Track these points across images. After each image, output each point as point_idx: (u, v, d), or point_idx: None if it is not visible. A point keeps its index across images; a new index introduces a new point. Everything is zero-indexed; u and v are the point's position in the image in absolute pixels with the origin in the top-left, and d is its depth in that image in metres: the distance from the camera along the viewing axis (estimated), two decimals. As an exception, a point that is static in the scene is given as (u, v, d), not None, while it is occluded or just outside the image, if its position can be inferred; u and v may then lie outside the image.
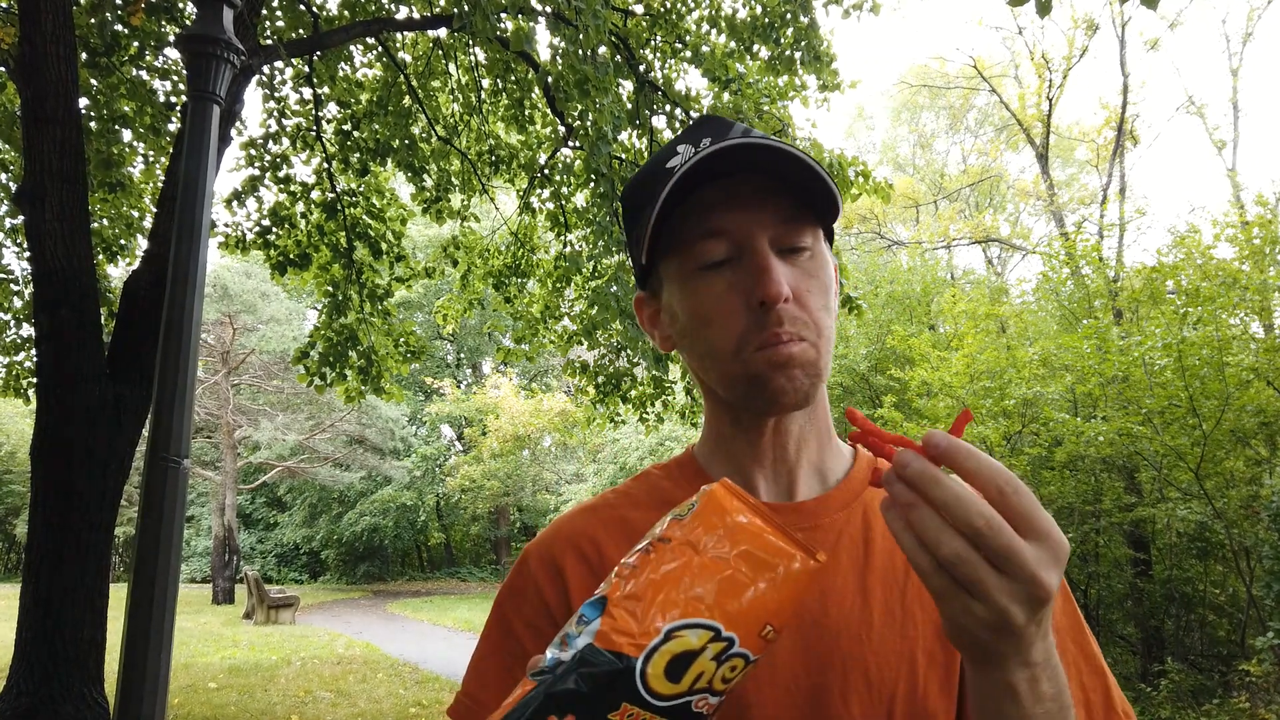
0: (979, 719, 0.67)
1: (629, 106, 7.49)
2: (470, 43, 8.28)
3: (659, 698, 0.61)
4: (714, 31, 7.67)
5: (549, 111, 8.33)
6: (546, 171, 8.77)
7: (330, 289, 8.44)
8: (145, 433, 4.44)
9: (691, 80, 42.43)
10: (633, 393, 9.01)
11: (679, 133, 0.92)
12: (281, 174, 8.35)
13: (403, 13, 8.07)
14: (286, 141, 8.41)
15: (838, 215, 0.86)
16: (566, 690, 0.59)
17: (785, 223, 0.85)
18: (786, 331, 0.82)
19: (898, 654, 0.82)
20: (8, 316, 8.44)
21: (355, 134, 8.43)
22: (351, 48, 8.43)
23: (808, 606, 0.83)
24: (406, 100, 8.43)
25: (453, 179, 9.23)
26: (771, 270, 0.82)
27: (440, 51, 8.79)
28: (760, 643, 0.64)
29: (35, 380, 6.40)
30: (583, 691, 0.59)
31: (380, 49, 8.48)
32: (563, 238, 8.95)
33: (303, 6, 7.57)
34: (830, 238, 0.92)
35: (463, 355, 34.03)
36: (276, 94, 8.30)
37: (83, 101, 6.93)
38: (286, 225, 8.38)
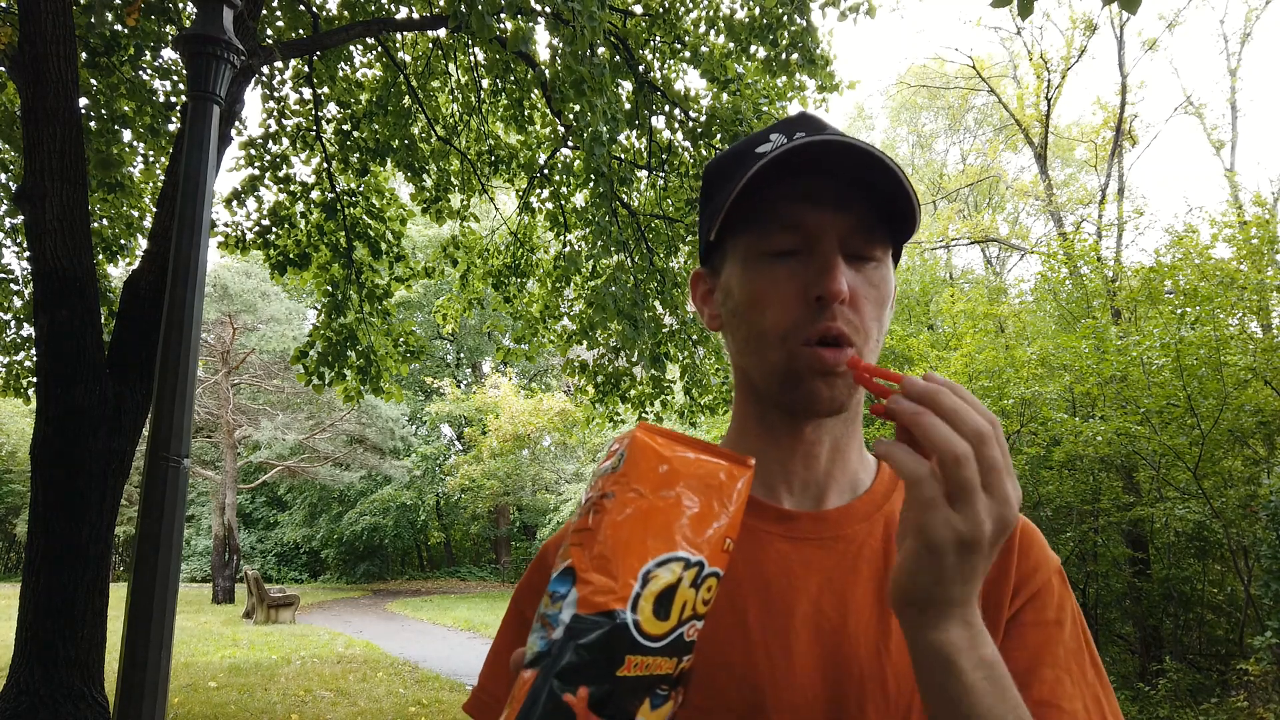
0: (925, 698, 0.67)
1: (628, 107, 7.50)
2: (470, 43, 8.29)
3: (655, 639, 0.62)
4: (712, 32, 7.68)
5: (548, 111, 8.35)
6: (546, 171, 8.79)
7: (330, 289, 8.44)
8: (145, 432, 4.45)
9: (691, 81, 42.49)
10: (631, 392, 9.03)
11: (773, 123, 0.92)
12: (281, 174, 8.36)
13: (402, 13, 8.08)
14: (286, 141, 8.42)
15: (912, 234, 0.86)
16: (570, 665, 0.60)
17: (859, 230, 0.85)
18: (837, 328, 0.82)
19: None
20: (8, 316, 8.44)
21: (355, 134, 8.44)
22: (351, 48, 8.44)
23: (827, 617, 0.83)
24: (406, 100, 8.44)
25: (452, 179, 9.23)
26: (835, 269, 0.82)
27: (440, 52, 8.81)
28: (724, 556, 0.67)
29: (35, 379, 6.41)
30: (585, 660, 0.60)
31: (380, 49, 8.49)
32: (562, 237, 8.96)
33: (302, 7, 7.58)
34: (897, 259, 0.93)
35: (462, 355, 34.04)
36: (276, 94, 8.31)
37: (82, 101, 6.94)
38: (286, 225, 8.39)
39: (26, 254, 7.12)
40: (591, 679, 0.60)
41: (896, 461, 0.65)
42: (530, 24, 5.63)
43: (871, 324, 0.85)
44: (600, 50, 6.52)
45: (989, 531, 0.62)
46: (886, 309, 0.88)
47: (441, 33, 8.23)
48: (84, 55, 6.80)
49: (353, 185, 8.70)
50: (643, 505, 0.65)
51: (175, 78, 7.78)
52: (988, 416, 0.64)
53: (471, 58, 8.76)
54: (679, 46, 7.76)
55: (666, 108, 7.82)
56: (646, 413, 9.11)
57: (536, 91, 8.49)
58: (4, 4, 6.68)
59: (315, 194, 8.55)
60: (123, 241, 8.26)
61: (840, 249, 0.84)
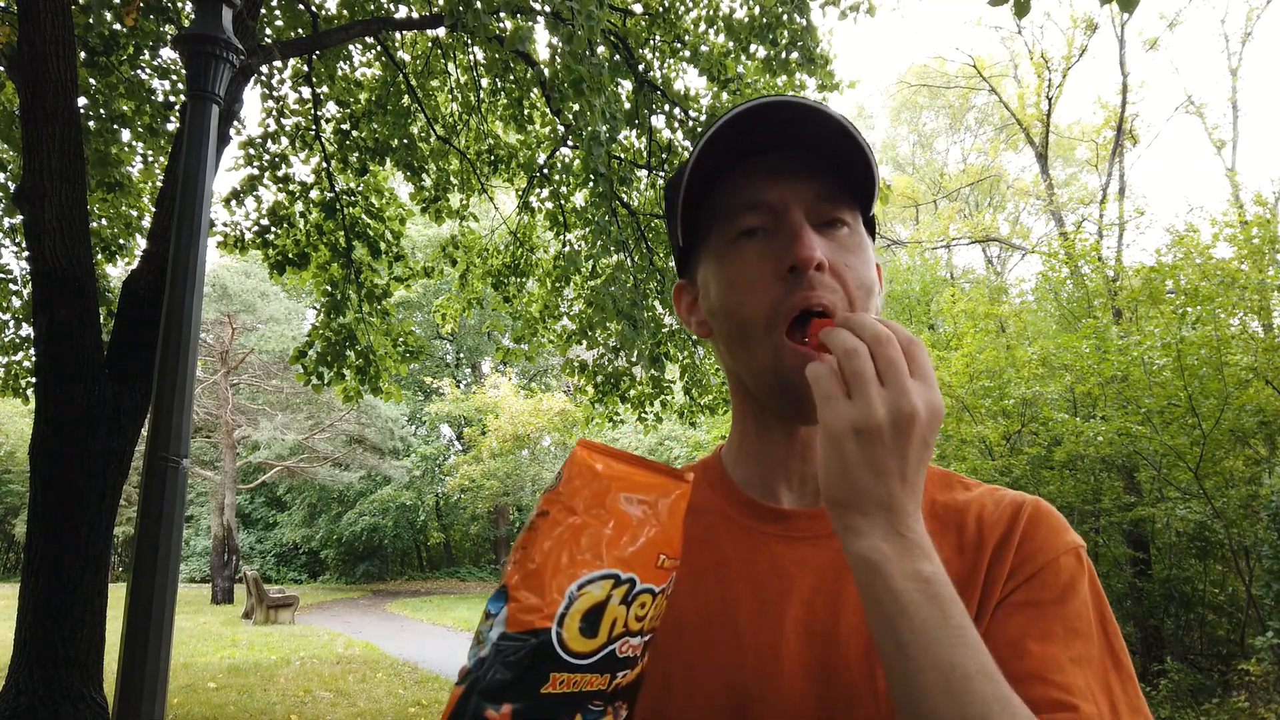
0: (867, 619, 0.66)
1: (628, 106, 7.49)
2: (469, 42, 8.27)
3: (582, 656, 0.63)
4: (712, 31, 7.66)
5: (548, 111, 8.33)
6: (545, 171, 8.77)
7: (329, 288, 8.43)
8: (144, 432, 4.44)
9: (690, 80, 42.49)
10: (631, 392, 9.01)
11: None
12: (280, 173, 8.34)
13: (401, 12, 8.06)
14: (285, 141, 8.40)
15: (874, 192, 0.84)
16: (494, 682, 0.61)
17: (823, 198, 0.83)
18: (818, 297, 0.79)
19: None
20: (7, 316, 8.42)
21: (354, 133, 8.42)
22: (350, 47, 8.42)
23: (818, 619, 0.82)
24: (405, 100, 8.42)
25: (451, 178, 9.22)
26: (804, 235, 0.80)
27: (439, 51, 8.79)
28: (660, 573, 0.68)
29: (34, 380, 6.40)
30: (509, 678, 0.61)
31: (379, 48, 8.47)
32: (561, 237, 8.94)
33: (301, 6, 7.56)
34: (872, 232, 0.91)
35: (462, 355, 34.02)
36: (275, 93, 8.29)
37: (81, 101, 6.92)
38: (285, 224, 8.37)
39: (25, 254, 7.10)
40: (515, 696, 0.61)
41: (808, 375, 0.68)
42: (529, 23, 5.62)
43: (857, 291, 0.82)
44: (600, 49, 6.50)
45: (883, 418, 0.63)
46: (870, 276, 0.85)
47: (441, 32, 8.21)
48: (83, 55, 6.78)
49: (352, 185, 8.69)
50: (575, 523, 0.65)
51: (174, 77, 7.76)
52: (901, 333, 0.67)
53: (471, 57, 8.74)
54: (679, 46, 7.75)
55: (666, 107, 7.80)
56: (646, 413, 9.11)
57: (536, 91, 8.48)
58: (3, 3, 6.67)
59: (314, 193, 8.53)
60: (121, 241, 8.25)
61: (808, 218, 0.82)
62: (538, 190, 9.01)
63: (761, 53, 7.57)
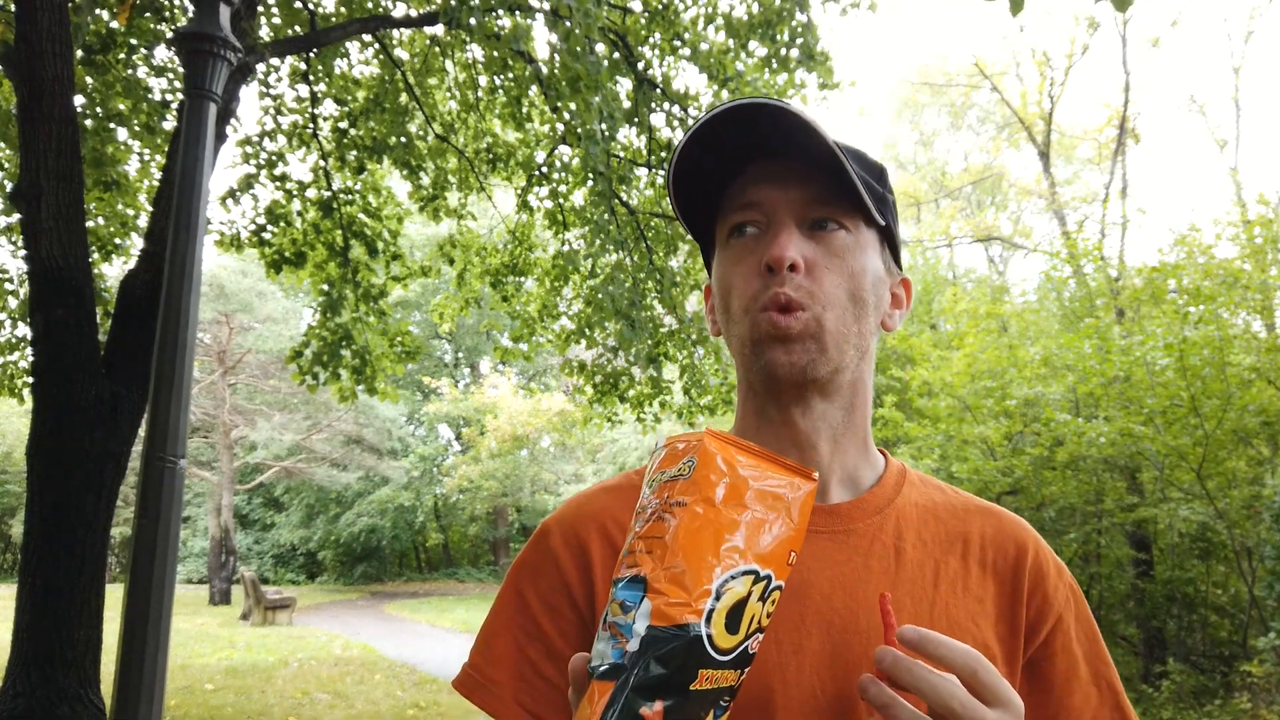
0: None
1: (627, 104, 7.46)
2: (467, 40, 8.24)
3: (725, 653, 0.63)
4: (711, 28, 7.63)
5: (547, 109, 8.30)
6: (544, 169, 8.73)
7: (325, 288, 8.38)
8: (141, 432, 4.41)
9: (690, 78, 42.50)
10: (630, 392, 8.98)
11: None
12: (277, 171, 8.30)
13: (399, 9, 8.03)
14: (282, 139, 8.36)
15: (861, 195, 0.85)
16: (648, 678, 0.60)
17: (815, 200, 0.87)
18: (785, 294, 0.83)
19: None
20: (3, 316, 8.39)
21: (352, 131, 8.38)
22: (348, 45, 8.38)
23: (838, 612, 0.82)
24: (403, 98, 8.39)
25: (450, 177, 9.18)
26: (781, 236, 0.85)
27: (437, 49, 8.75)
28: (788, 569, 0.68)
29: (31, 379, 6.37)
30: (663, 674, 0.60)
31: (377, 46, 8.44)
32: (560, 236, 8.91)
33: (299, 3, 7.53)
34: (895, 247, 0.95)
35: (460, 355, 33.96)
36: (272, 91, 8.25)
37: (78, 99, 6.89)
38: (282, 223, 8.33)
39: (22, 253, 7.08)
40: (668, 693, 0.60)
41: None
42: (528, 20, 5.59)
43: (834, 291, 0.86)
44: (599, 47, 6.47)
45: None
46: (862, 280, 0.88)
47: (439, 30, 8.17)
48: (80, 53, 6.74)
49: (349, 183, 8.65)
50: (715, 516, 0.65)
51: (171, 75, 7.72)
52: (972, 666, 0.69)
53: (469, 55, 8.70)
54: (678, 43, 7.72)
55: (666, 105, 7.77)
56: (645, 413, 9.07)
57: (535, 89, 8.44)
58: (0, 2, 6.63)
59: (311, 192, 8.49)
60: (118, 240, 8.21)
61: (799, 221, 0.87)
62: (536, 189, 8.97)
63: (761, 50, 7.54)
